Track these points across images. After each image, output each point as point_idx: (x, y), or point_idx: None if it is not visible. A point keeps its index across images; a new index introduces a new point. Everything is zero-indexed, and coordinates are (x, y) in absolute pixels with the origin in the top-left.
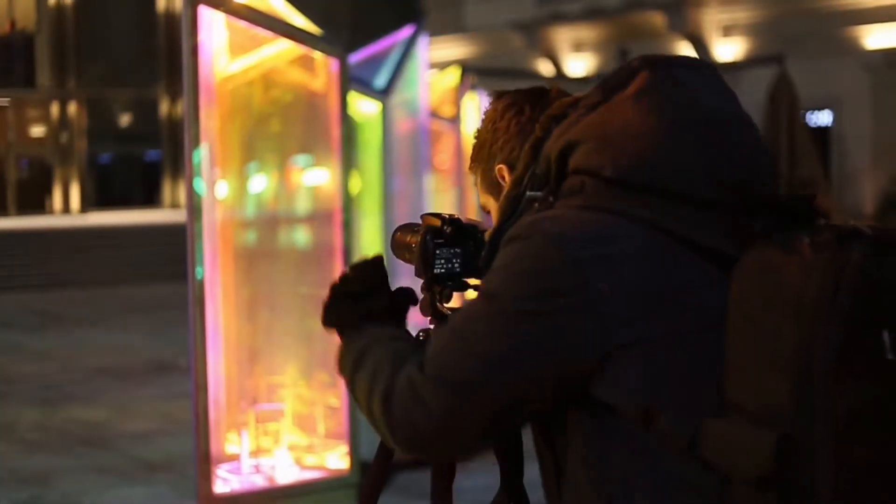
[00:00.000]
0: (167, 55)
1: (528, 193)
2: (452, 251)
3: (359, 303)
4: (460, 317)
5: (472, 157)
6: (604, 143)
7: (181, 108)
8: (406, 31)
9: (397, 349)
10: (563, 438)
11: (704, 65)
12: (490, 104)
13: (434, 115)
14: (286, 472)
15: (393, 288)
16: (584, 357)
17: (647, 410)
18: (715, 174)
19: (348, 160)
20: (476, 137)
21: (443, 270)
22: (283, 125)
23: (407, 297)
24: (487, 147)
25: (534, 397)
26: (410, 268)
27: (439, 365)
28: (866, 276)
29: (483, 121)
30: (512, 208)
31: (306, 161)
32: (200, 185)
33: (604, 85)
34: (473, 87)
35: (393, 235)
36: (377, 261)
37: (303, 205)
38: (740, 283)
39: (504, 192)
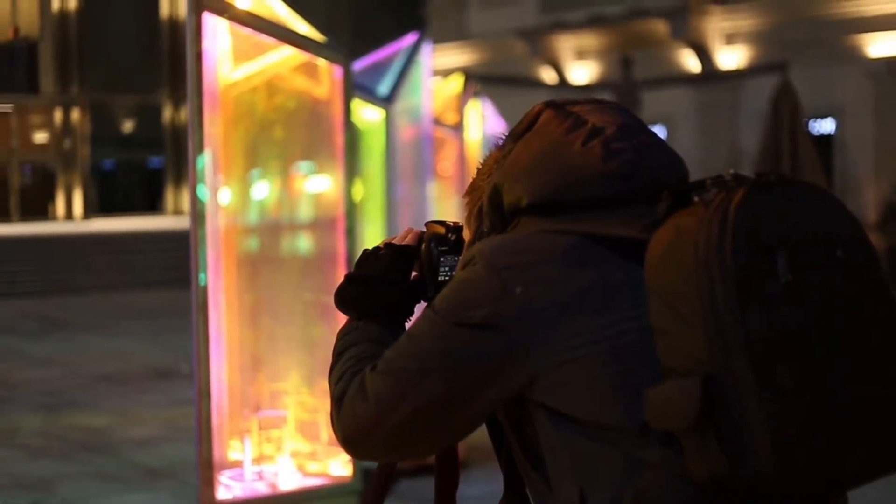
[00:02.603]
0: (170, 62)
1: None
2: (456, 259)
3: (371, 289)
4: (413, 323)
5: (467, 191)
6: (518, 177)
7: (184, 114)
8: (409, 39)
9: (370, 354)
10: (531, 430)
11: (605, 101)
12: (494, 147)
13: (437, 122)
14: (289, 479)
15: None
16: (514, 364)
17: (593, 418)
18: (614, 176)
19: (351, 167)
20: (476, 171)
21: (447, 277)
22: (287, 132)
23: (419, 293)
24: (479, 192)
25: (467, 403)
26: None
27: (385, 361)
28: (749, 208)
29: (485, 161)
30: None
31: (309, 168)
32: (203, 192)
33: (513, 133)
34: (477, 95)
35: None
36: (410, 251)
37: (306, 211)
38: (649, 261)
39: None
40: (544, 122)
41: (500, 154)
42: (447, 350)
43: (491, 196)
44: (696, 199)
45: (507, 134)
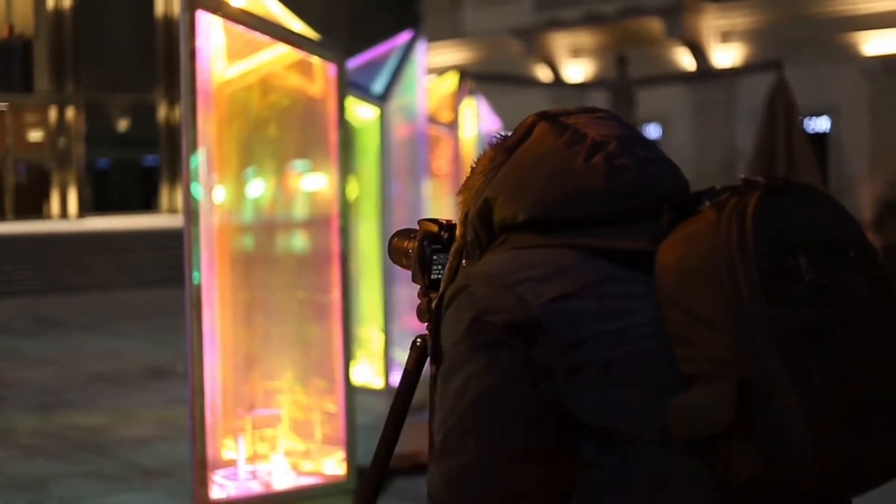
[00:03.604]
0: (165, 60)
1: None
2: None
3: None
4: (436, 418)
5: (460, 189)
6: (514, 193)
7: (179, 112)
8: (404, 37)
9: None
10: None
11: (598, 109)
12: (489, 145)
13: (432, 120)
14: (283, 478)
15: None
16: (542, 374)
17: (611, 425)
18: (619, 193)
19: (346, 165)
20: (470, 170)
21: (439, 276)
22: (281, 130)
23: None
24: (474, 190)
25: (534, 429)
26: (408, 273)
27: (436, 464)
28: (766, 211)
29: (479, 159)
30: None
31: (304, 166)
32: (198, 190)
33: (504, 145)
34: (472, 93)
35: (390, 241)
36: None
37: (300, 210)
38: (663, 270)
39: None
40: (540, 135)
41: (494, 156)
42: (490, 383)
43: (481, 209)
44: (706, 203)
45: (498, 144)
